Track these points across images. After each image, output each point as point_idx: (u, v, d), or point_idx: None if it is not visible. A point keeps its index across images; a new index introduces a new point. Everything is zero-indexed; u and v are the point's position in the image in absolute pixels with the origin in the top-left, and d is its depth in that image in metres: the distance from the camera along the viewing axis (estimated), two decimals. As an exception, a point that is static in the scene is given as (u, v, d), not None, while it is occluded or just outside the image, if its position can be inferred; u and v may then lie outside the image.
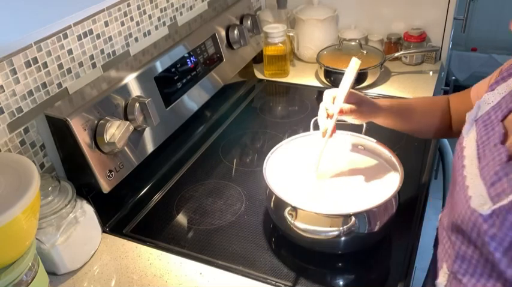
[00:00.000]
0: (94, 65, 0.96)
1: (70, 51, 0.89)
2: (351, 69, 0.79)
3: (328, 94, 0.81)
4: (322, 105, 0.81)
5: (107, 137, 0.82)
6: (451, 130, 0.88)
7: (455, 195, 0.64)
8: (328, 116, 0.79)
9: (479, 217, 0.56)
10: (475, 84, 0.83)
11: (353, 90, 0.80)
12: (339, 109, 0.77)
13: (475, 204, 0.57)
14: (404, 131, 0.88)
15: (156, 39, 1.13)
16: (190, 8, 1.25)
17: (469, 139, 0.66)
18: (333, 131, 0.80)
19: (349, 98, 0.78)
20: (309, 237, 0.73)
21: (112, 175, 0.86)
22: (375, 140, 0.89)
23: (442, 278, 0.68)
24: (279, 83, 1.45)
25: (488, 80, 0.78)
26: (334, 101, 0.79)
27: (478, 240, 0.57)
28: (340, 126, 0.95)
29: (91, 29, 0.94)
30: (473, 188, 0.59)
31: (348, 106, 0.77)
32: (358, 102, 0.79)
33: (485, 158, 0.60)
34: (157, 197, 1.00)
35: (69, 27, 0.88)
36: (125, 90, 0.90)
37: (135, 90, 0.92)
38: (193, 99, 1.10)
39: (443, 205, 1.02)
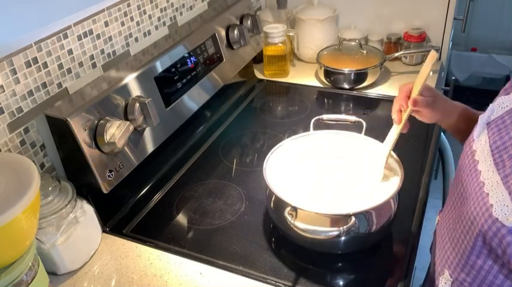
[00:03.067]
0: (94, 65, 0.96)
1: (70, 51, 0.89)
2: (427, 62, 0.79)
3: (403, 88, 0.80)
4: (396, 99, 0.81)
5: (107, 137, 0.82)
6: None
7: (467, 200, 0.62)
8: (401, 109, 0.79)
9: (503, 228, 0.55)
10: None
11: (429, 86, 0.79)
12: (413, 101, 0.76)
13: (498, 214, 0.56)
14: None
15: (156, 39, 1.13)
16: (190, 8, 1.25)
17: (480, 143, 0.65)
18: (406, 126, 0.80)
19: (425, 93, 0.78)
20: (309, 237, 0.73)
21: (112, 175, 0.86)
22: (375, 140, 0.89)
23: (443, 285, 0.67)
24: (279, 83, 1.45)
25: None
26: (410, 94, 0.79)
27: (499, 251, 0.56)
28: (340, 126, 0.96)
29: (91, 29, 0.94)
30: (495, 196, 0.57)
31: (421, 98, 0.77)
32: (433, 97, 0.79)
33: (507, 166, 0.58)
34: (157, 197, 1.00)
35: (69, 27, 0.88)
36: (125, 90, 0.90)
37: (135, 90, 0.92)
38: (193, 99, 1.10)
39: (443, 206, 1.01)
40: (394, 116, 0.81)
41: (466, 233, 0.61)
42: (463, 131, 0.82)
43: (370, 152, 0.90)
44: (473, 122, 0.80)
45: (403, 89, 0.80)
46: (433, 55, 0.79)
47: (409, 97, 0.79)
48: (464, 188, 0.65)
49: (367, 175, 0.84)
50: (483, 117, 0.67)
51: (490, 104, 0.67)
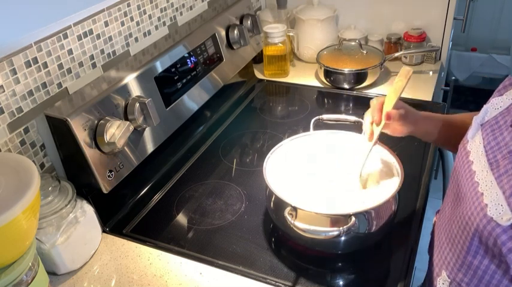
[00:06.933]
0: (94, 65, 0.96)
1: (70, 51, 0.89)
2: (402, 77, 0.78)
3: (376, 102, 0.80)
4: (368, 112, 0.81)
5: (107, 137, 0.82)
6: None
7: (463, 201, 0.63)
8: (374, 122, 0.80)
9: (498, 227, 0.55)
10: None
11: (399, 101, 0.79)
12: (387, 114, 0.76)
13: (492, 213, 0.56)
14: (442, 145, 0.87)
15: (156, 39, 1.13)
16: (190, 8, 1.25)
17: (474, 144, 0.65)
18: (376, 141, 0.80)
19: (396, 106, 0.78)
20: (309, 237, 0.73)
21: (112, 175, 0.86)
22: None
23: (441, 286, 0.67)
24: (279, 83, 1.45)
25: None
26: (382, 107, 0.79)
27: (495, 250, 0.56)
28: (340, 126, 0.96)
29: (91, 29, 0.94)
30: (489, 196, 0.57)
31: (395, 111, 0.77)
32: (405, 110, 0.79)
33: (501, 166, 0.58)
34: (157, 197, 1.00)
35: (69, 27, 0.88)
36: (124, 90, 0.90)
37: (135, 90, 0.92)
38: (193, 99, 1.10)
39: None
40: (367, 131, 0.81)
41: (462, 233, 0.62)
42: (434, 136, 0.84)
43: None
44: (441, 124, 0.83)
45: (376, 103, 0.80)
46: (407, 70, 0.78)
47: (381, 111, 0.79)
48: (460, 188, 0.65)
49: (347, 185, 0.83)
50: (477, 119, 0.67)
51: (484, 105, 0.68)
